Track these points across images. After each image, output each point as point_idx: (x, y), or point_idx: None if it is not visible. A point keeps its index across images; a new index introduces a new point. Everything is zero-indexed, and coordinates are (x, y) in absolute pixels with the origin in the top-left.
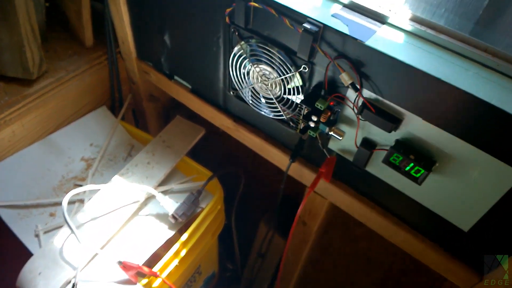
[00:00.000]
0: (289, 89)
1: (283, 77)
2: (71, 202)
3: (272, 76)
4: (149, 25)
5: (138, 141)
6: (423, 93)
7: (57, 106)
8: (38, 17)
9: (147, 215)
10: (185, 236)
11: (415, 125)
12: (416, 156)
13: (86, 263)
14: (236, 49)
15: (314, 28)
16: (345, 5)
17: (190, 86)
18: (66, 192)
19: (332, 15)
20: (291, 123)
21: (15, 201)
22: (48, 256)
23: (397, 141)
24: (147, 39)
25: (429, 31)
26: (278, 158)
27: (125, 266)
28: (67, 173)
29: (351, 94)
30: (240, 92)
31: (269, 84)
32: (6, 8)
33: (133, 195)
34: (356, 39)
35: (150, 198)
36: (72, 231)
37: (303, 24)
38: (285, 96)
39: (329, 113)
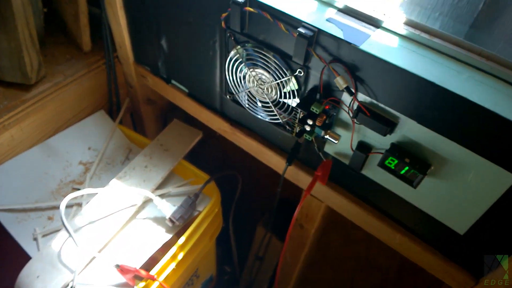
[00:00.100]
0: (285, 93)
1: (279, 81)
2: (69, 206)
3: (268, 80)
4: (146, 30)
5: (136, 144)
6: (417, 97)
7: (56, 110)
8: (36, 22)
9: (144, 218)
10: (182, 239)
11: (409, 129)
12: (411, 159)
13: (83, 266)
14: (232, 53)
15: (309, 33)
16: (339, 10)
17: (187, 90)
18: (65, 196)
19: (327, 20)
20: (287, 126)
21: (13, 205)
22: (46, 259)
23: (392, 144)
24: (144, 44)
25: (423, 35)
26: (274, 161)
27: (122, 269)
28: (65, 176)
29: (346, 98)
30: (236, 96)
31: (265, 88)
32: (4, 13)
33: (130, 199)
34: (350, 43)
35: (147, 201)
36: (70, 235)
37: (298, 29)
38: (281, 100)
39: (324, 117)
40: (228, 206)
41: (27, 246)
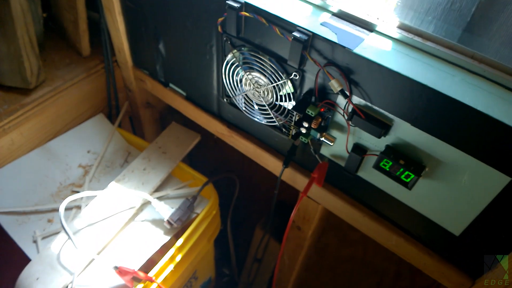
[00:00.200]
0: (281, 96)
1: (274, 84)
2: (68, 208)
3: (264, 83)
4: (144, 34)
5: (135, 147)
6: (410, 99)
7: (55, 114)
8: (35, 27)
9: (143, 220)
10: (180, 241)
11: (404, 131)
12: (406, 161)
13: (83, 268)
14: (228, 57)
15: (304, 37)
16: (334, 14)
17: (185, 94)
18: (64, 199)
19: (321, 24)
20: (283, 129)
21: (13, 208)
22: (46, 261)
23: (387, 146)
24: (142, 48)
25: (417, 38)
26: (271, 163)
27: (121, 271)
28: (64, 179)
29: (341, 100)
30: (233, 99)
31: (262, 91)
32: (4, 19)
33: (129, 201)
34: (344, 47)
35: (146, 203)
36: (69, 237)
37: (293, 33)
38: (277, 102)
39: (320, 119)
40: (226, 208)
41: (27, 248)
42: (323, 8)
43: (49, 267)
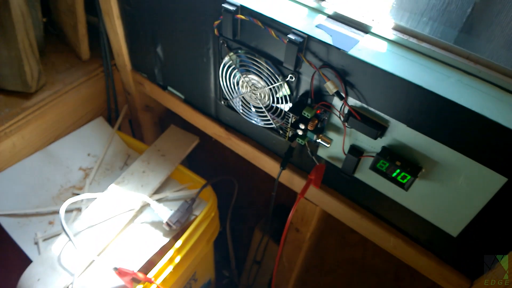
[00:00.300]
0: (278, 98)
1: (271, 86)
2: (69, 211)
3: (260, 86)
4: (142, 38)
5: (134, 150)
6: (405, 101)
7: (56, 118)
8: (36, 32)
9: (142, 222)
10: (179, 242)
11: (400, 132)
12: (402, 162)
13: (83, 269)
14: (225, 59)
15: (299, 39)
16: (329, 16)
17: (183, 96)
18: (65, 201)
19: (316, 26)
20: (280, 131)
21: (15, 210)
22: (47, 262)
23: (383, 147)
24: (140, 51)
25: (412, 39)
26: (269, 165)
27: (120, 272)
28: (65, 182)
29: (337, 102)
30: (230, 102)
31: (258, 93)
32: (5, 24)
33: (128, 203)
34: (339, 49)
35: (145, 206)
36: (70, 239)
37: (288, 35)
38: (274, 105)
39: (316, 121)
40: (225, 210)
41: (28, 250)
42: (318, 10)
43: (50, 268)
